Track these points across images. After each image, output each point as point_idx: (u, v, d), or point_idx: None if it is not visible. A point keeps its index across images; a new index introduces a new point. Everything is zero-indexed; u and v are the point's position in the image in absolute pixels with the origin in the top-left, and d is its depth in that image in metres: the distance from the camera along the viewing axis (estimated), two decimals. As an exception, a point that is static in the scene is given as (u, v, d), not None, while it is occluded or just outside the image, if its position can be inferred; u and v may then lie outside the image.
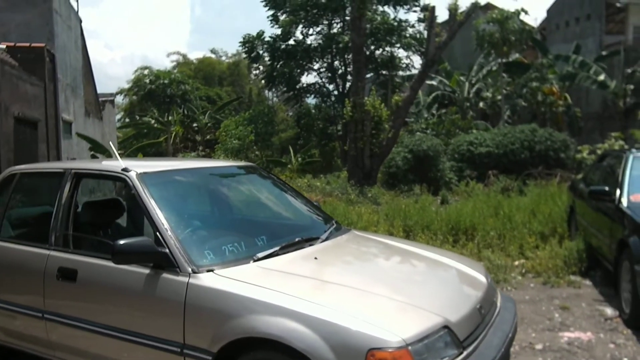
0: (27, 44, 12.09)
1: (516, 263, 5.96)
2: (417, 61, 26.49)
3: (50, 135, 12.55)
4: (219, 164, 3.98)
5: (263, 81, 28.92)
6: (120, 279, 2.59)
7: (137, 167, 2.91)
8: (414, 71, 24.45)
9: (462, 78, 21.47)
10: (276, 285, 2.33)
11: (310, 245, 2.92)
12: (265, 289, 2.29)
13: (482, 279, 2.89)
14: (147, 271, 2.54)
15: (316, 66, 25.92)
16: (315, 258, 2.77)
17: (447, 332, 2.18)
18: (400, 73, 25.10)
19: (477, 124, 18.99)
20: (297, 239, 2.90)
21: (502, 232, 6.70)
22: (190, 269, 2.45)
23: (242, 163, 4.04)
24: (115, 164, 3.02)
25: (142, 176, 2.84)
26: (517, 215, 7.24)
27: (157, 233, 2.57)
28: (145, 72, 26.85)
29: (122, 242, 2.45)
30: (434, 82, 21.55)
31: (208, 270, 2.46)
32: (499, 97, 20.51)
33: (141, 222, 3.42)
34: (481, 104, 21.32)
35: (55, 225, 3.00)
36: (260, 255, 2.65)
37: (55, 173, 3.26)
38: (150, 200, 2.69)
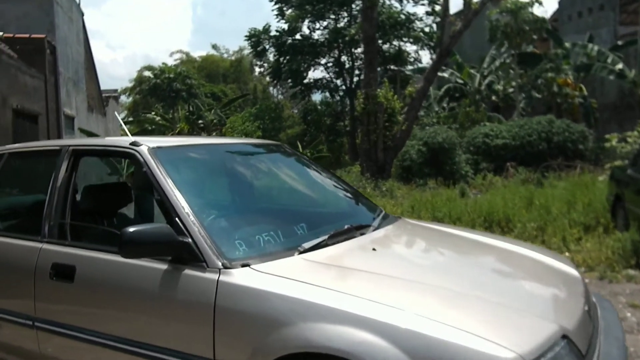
0: (27, 35, 11.61)
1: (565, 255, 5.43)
2: (425, 55, 26.00)
3: (52, 129, 12.06)
4: (241, 141, 3.43)
5: (268, 77, 28.46)
6: (130, 278, 2.07)
7: (148, 142, 2.39)
8: (422, 65, 24.00)
9: (472, 71, 20.93)
10: (335, 284, 1.81)
11: (362, 234, 2.39)
12: (321, 288, 1.76)
13: (576, 274, 2.37)
14: (164, 267, 2.00)
15: (323, 61, 25.48)
16: (374, 249, 2.22)
17: (567, 342, 1.65)
18: (409, 67, 24.63)
19: (491, 117, 18.45)
20: (346, 227, 2.35)
21: (540, 224, 6.17)
22: (220, 264, 1.92)
23: (266, 141, 3.46)
24: (122, 138, 2.50)
25: (156, 151, 2.29)
26: (554, 206, 6.71)
27: (177, 219, 2.03)
28: (148, 73, 26.41)
29: (132, 228, 1.91)
30: (445, 75, 20.98)
31: (243, 265, 1.94)
32: (511, 90, 19.94)
33: (152, 211, 2.90)
34: (493, 97, 20.75)
35: (49, 212, 2.45)
36: (306, 245, 2.11)
37: (50, 151, 2.72)
38: (166, 179, 2.15)
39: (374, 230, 2.47)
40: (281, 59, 24.81)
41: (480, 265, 2.33)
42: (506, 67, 20.59)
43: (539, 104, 19.92)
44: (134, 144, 2.34)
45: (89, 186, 2.88)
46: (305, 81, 25.55)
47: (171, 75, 24.06)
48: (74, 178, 2.53)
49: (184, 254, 1.97)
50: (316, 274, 1.91)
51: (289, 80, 25.70)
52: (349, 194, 3.00)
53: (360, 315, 1.61)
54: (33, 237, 2.47)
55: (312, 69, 25.73)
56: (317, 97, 26.50)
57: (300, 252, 2.07)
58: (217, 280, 1.88)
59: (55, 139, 10.60)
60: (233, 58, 39.99)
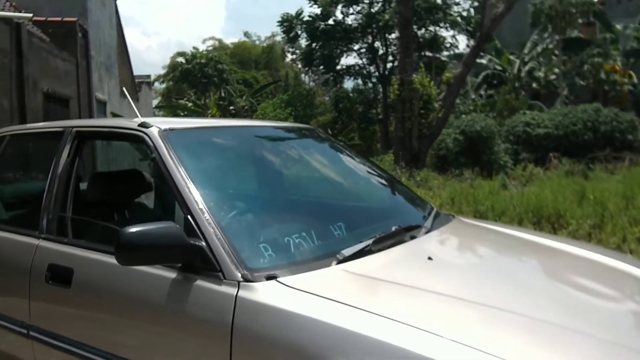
0: (59, 19, 11.51)
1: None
2: (462, 41, 25.12)
3: (83, 113, 11.98)
4: (268, 124, 3.02)
5: (300, 64, 28.06)
6: (132, 286, 1.73)
7: (160, 123, 2.03)
8: (458, 51, 23.16)
9: (512, 57, 20.03)
10: (385, 308, 1.38)
11: (412, 237, 1.96)
12: (367, 313, 1.35)
13: None
14: (172, 275, 1.64)
15: (356, 47, 24.90)
16: (430, 258, 1.78)
17: None
18: (444, 53, 23.83)
19: (532, 105, 17.62)
20: (393, 228, 1.93)
21: (596, 221, 5.62)
22: (239, 275, 1.54)
23: (297, 124, 3.01)
24: (132, 120, 2.15)
25: (167, 134, 1.93)
26: (610, 201, 6.14)
27: (189, 216, 1.67)
28: (180, 59, 26.38)
29: (132, 229, 1.55)
30: (483, 61, 20.13)
31: (268, 278, 1.54)
32: (553, 77, 19.01)
33: (174, 203, 2.54)
34: (534, 84, 19.84)
35: (48, 204, 2.12)
36: (346, 252, 1.70)
37: (52, 133, 2.40)
38: (178, 167, 1.79)
39: (426, 232, 2.04)
40: (313, 44, 24.37)
41: (570, 283, 1.87)
42: (548, 53, 19.65)
43: (583, 91, 18.94)
44: (142, 125, 1.98)
45: (97, 174, 2.55)
46: (338, 67, 25.04)
47: (203, 61, 23.88)
48: (78, 164, 2.20)
49: (197, 261, 1.60)
50: (360, 293, 1.52)
51: (321, 67, 25.24)
52: (392, 187, 2.56)
53: (422, 357, 1.22)
54: (31, 232, 2.16)
55: (345, 55, 25.19)
56: (349, 84, 25.99)
57: (339, 261, 1.66)
58: (236, 296, 1.50)
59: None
60: (265, 44, 39.77)
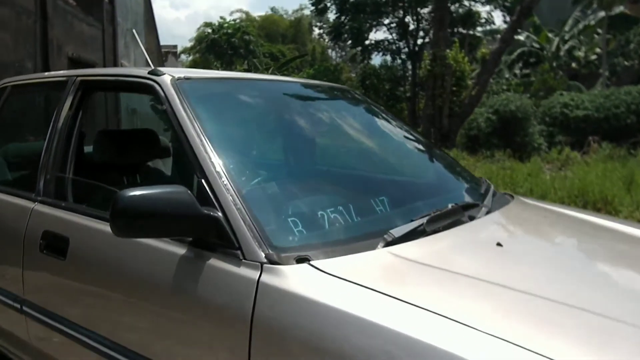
0: (85, -18, 11.26)
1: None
2: (498, 17, 24.16)
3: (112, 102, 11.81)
4: (297, 80, 2.63)
5: (327, 38, 27.45)
6: (133, 262, 1.45)
7: (174, 72, 1.71)
8: (494, 27, 22.27)
9: (550, 35, 19.11)
10: (453, 308, 1.04)
11: (471, 218, 1.60)
12: (430, 313, 1.03)
13: None
14: (181, 251, 1.35)
15: (386, 21, 24.15)
16: (499, 244, 1.42)
17: None
18: (479, 29, 22.95)
19: (570, 85, 16.81)
20: (450, 206, 1.57)
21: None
22: (263, 255, 1.23)
23: (329, 83, 2.62)
24: (143, 68, 1.84)
25: (182, 83, 1.62)
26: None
27: (203, 181, 1.37)
28: (207, 29, 26.05)
29: (132, 192, 1.25)
30: (520, 37, 19.23)
31: (299, 260, 1.22)
32: (594, 57, 18.09)
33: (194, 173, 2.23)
34: (573, 64, 18.94)
35: (46, 162, 1.85)
36: (396, 232, 1.36)
37: (56, 84, 2.10)
38: (193, 121, 1.47)
39: (487, 212, 1.68)
40: (342, 17, 23.73)
41: None
42: (590, 31, 18.66)
43: (627, 72, 17.98)
44: (153, 72, 1.67)
45: (104, 131, 2.26)
46: (366, 42, 24.40)
47: (230, 31, 23.45)
48: (82, 117, 1.91)
49: (211, 235, 1.30)
50: (418, 286, 1.18)
51: (349, 42, 24.64)
52: (440, 159, 2.20)
53: None
54: (27, 194, 1.90)
55: (374, 29, 24.50)
56: (376, 60, 25.34)
57: (387, 243, 1.32)
58: (258, 281, 1.19)
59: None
60: (292, 18, 39.18)
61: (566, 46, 18.68)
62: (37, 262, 1.73)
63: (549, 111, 13.90)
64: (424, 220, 1.43)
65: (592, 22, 18.24)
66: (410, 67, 23.10)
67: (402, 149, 2.25)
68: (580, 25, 18.76)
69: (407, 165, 2.17)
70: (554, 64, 18.31)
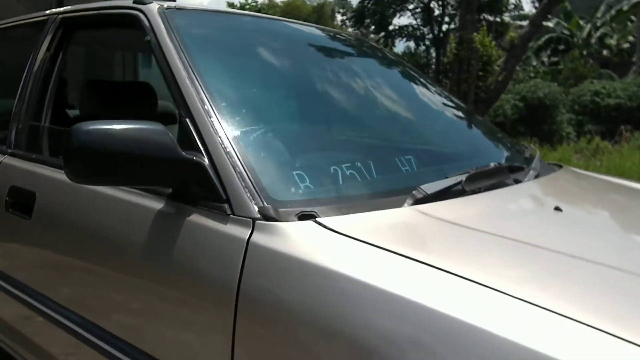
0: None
1: None
2: (526, 3, 23.45)
3: (127, 60, 11.65)
4: (309, 24, 2.32)
5: (350, 23, 27.03)
6: (103, 219, 1.21)
7: (164, 3, 1.44)
8: (523, 12, 21.61)
9: (581, 21, 18.38)
10: (516, 283, 0.76)
11: (517, 181, 1.33)
12: (485, 290, 0.74)
13: None
14: (157, 205, 1.10)
15: (411, 6, 23.66)
16: (557, 209, 1.14)
17: None
18: (506, 15, 22.28)
19: (601, 74, 16.18)
20: (492, 164, 1.32)
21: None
22: (255, 208, 0.97)
23: (342, 32, 2.25)
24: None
25: (171, 13, 1.35)
26: None
27: (187, 120, 1.11)
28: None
29: (91, 125, 0.98)
30: (550, 24, 18.54)
31: (302, 216, 0.96)
32: (626, 45, 17.36)
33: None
34: (604, 52, 18.22)
35: (19, 111, 1.62)
36: (427, 188, 1.08)
37: (35, 24, 1.86)
38: (180, 52, 1.21)
39: (535, 177, 1.39)
40: (366, 2, 23.31)
41: None
42: (623, 18, 17.89)
43: (661, 61, 17.23)
44: (139, 1, 1.40)
45: (91, 81, 2.00)
46: (390, 28, 23.96)
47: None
48: (62, 61, 1.65)
49: (193, 185, 1.05)
50: (457, 252, 0.89)
51: (372, 27, 24.21)
52: (478, 124, 1.90)
53: None
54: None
55: (398, 14, 24.01)
56: (400, 47, 24.88)
57: (416, 201, 1.05)
58: (248, 241, 0.93)
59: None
60: (315, 4, 38.79)
61: (598, 33, 17.96)
62: (2, 222, 1.50)
63: (578, 99, 13.41)
64: (463, 177, 1.14)
65: (625, 8, 17.48)
66: (434, 54, 22.64)
67: (432, 104, 1.94)
68: (613, 11, 18.01)
69: (440, 127, 1.85)
70: (584, 52, 17.63)
